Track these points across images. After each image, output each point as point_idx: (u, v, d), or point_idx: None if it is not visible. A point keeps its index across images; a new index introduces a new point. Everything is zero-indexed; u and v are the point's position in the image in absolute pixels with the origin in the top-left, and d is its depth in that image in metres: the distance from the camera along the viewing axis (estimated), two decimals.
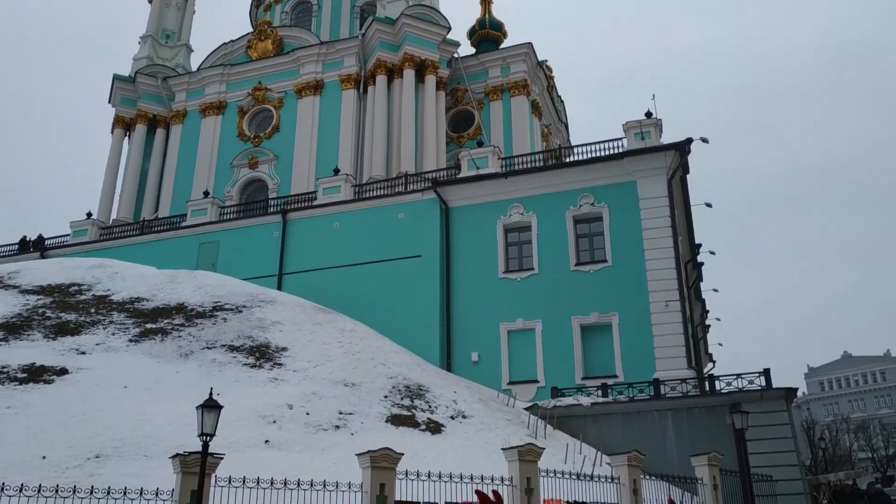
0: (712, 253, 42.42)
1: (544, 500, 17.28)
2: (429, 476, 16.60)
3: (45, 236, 47.20)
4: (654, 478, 21.28)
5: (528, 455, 17.65)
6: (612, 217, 33.86)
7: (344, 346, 29.16)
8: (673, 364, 30.26)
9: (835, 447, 62.60)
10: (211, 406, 14.24)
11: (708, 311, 50.09)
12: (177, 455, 15.63)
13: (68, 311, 30.21)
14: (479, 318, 34.01)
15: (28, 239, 47.17)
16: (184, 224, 43.13)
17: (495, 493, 3.04)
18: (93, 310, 30.68)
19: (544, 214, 34.96)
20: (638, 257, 32.54)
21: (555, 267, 33.89)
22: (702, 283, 45.00)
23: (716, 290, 48.13)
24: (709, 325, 50.00)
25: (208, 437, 14.08)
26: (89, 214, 47.55)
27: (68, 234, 46.62)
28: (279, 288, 36.86)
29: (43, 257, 44.06)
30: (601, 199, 34.22)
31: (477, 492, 2.76)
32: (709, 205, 37.81)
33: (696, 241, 41.99)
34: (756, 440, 24.17)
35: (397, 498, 15.53)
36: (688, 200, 38.07)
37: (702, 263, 43.73)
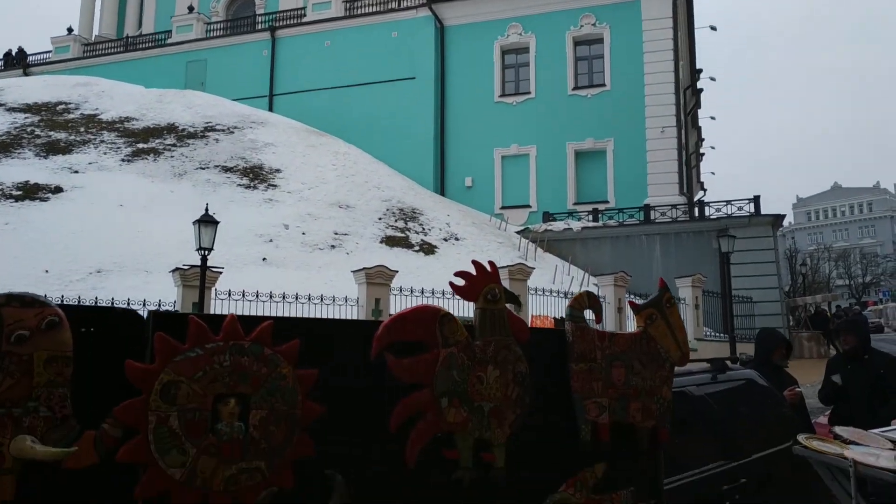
0: (712, 79, 41.50)
1: (532, 316, 18.07)
2: (422, 292, 17.22)
3: (25, 52, 45.52)
4: (638, 297, 22.07)
5: (517, 274, 18.25)
6: (614, 39, 32.71)
7: (338, 169, 29.12)
8: (664, 190, 30.48)
9: (814, 274, 64.62)
10: (208, 221, 14.42)
11: (703, 140, 49.79)
12: (177, 269, 16.03)
13: (58, 130, 29.76)
14: (473, 142, 33.72)
15: (12, 53, 45.48)
16: (169, 41, 41.52)
17: (491, 263, 3.20)
18: (82, 129, 30.24)
19: (543, 35, 33.71)
20: (637, 82, 31.80)
21: (552, 91, 33.17)
22: (699, 111, 44.39)
23: (713, 118, 47.61)
24: (703, 154, 49.89)
25: (206, 252, 14.38)
26: (70, 30, 45.62)
27: (49, 51, 44.98)
28: (270, 109, 36.17)
29: (26, 74, 42.75)
30: (603, 20, 32.90)
31: (473, 262, 2.91)
32: (713, 28, 36.51)
33: (698, 67, 40.94)
34: (740, 264, 24.87)
35: (391, 312, 16.17)
36: (692, 23, 36.68)
37: (701, 90, 42.89)
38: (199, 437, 2.31)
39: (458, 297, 2.97)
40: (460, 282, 2.95)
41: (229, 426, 2.34)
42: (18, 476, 2.08)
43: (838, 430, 4.60)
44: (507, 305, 3.03)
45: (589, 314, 3.26)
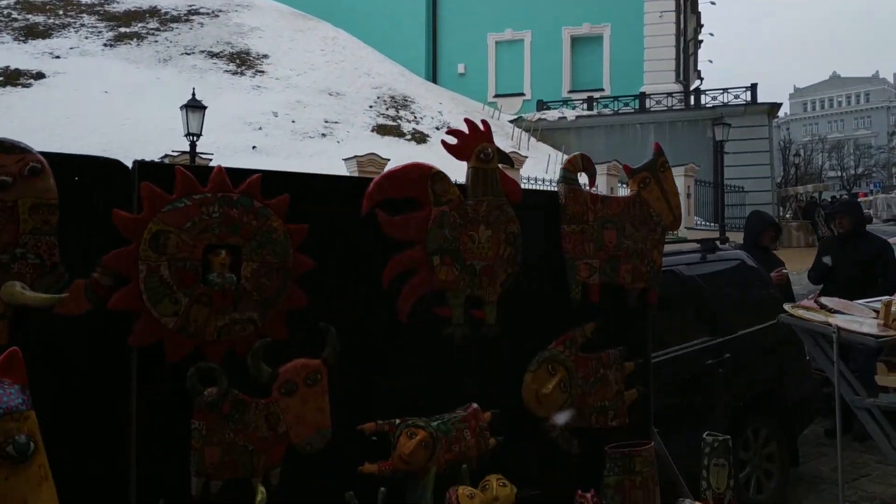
0: None
1: None
2: None
3: None
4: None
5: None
6: None
7: (327, 55, 28.37)
8: (661, 78, 29.95)
9: (807, 165, 64.45)
10: (195, 106, 14.14)
11: (702, 26, 48.45)
12: (166, 156, 15.84)
13: (35, 13, 28.67)
14: (466, 27, 32.75)
15: None
16: None
17: (484, 122, 3.17)
18: (60, 11, 29.14)
19: None
20: None
21: None
22: None
23: (713, 3, 46.12)
24: (701, 41, 48.64)
25: (195, 138, 14.17)
26: None
27: None
28: None
29: None
30: None
31: (466, 120, 2.87)
32: None
33: None
34: (734, 153, 24.77)
35: None
36: None
37: None
38: (191, 286, 2.31)
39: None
40: (452, 140, 2.89)
41: (221, 277, 2.33)
42: (11, 322, 2.08)
43: (823, 300, 4.68)
44: (500, 166, 2.99)
45: (582, 177, 3.22)
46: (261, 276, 2.43)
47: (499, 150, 2.96)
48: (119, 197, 2.29)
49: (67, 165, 2.24)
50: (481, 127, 2.93)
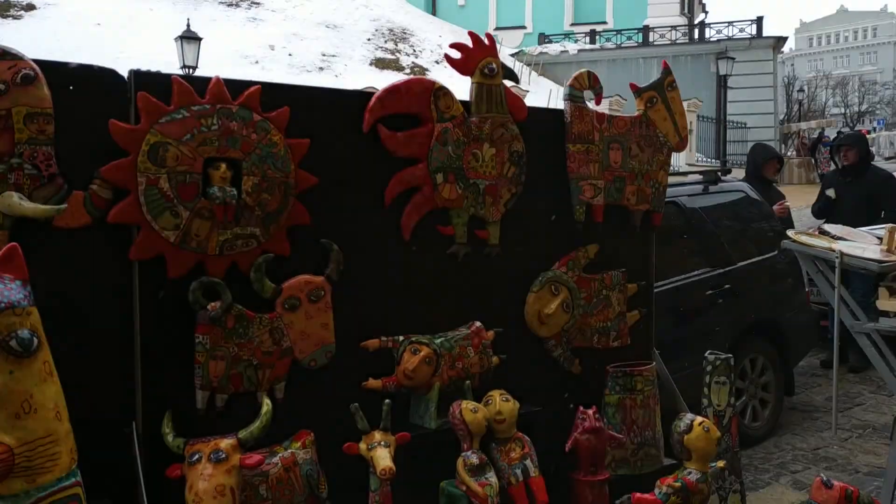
0: None
1: None
2: None
3: None
4: None
5: None
6: None
7: None
8: (665, 11, 29.33)
9: (811, 102, 63.65)
10: (190, 37, 13.86)
11: None
12: None
13: None
14: None
15: None
16: None
17: (488, 35, 3.08)
18: None
19: None
20: None
21: None
22: None
23: None
24: None
25: (191, 70, 13.92)
26: None
27: None
28: None
29: None
30: None
31: (470, 33, 2.79)
32: None
33: None
34: (737, 89, 24.42)
35: None
36: None
37: None
38: (192, 200, 2.28)
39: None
40: (456, 54, 2.82)
41: (221, 191, 2.30)
42: (10, 233, 2.05)
43: (827, 227, 4.65)
44: (505, 82, 2.92)
45: (589, 95, 3.16)
46: (262, 190, 2.39)
47: (504, 66, 2.89)
48: (116, 108, 2.23)
49: (62, 75, 2.18)
50: (485, 41, 2.86)
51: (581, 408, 2.80)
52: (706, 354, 2.93)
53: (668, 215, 5.35)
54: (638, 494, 2.44)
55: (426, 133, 2.71)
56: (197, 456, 2.15)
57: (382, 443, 2.21)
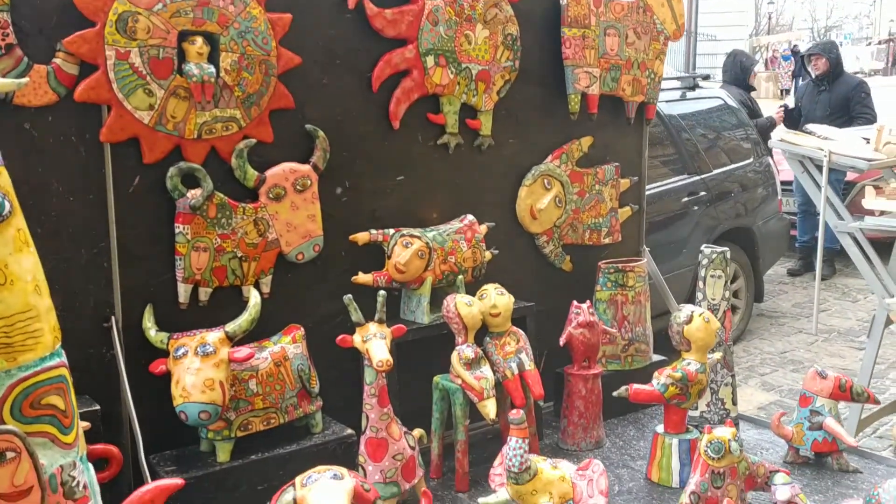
0: None
1: None
2: None
3: None
4: None
5: None
6: None
7: None
8: None
9: (779, 16, 63.13)
10: None
11: None
12: None
13: None
14: None
15: None
16: None
17: None
18: None
19: None
20: None
21: None
22: None
23: None
24: None
25: None
26: None
27: None
28: None
29: None
30: None
31: None
32: None
33: None
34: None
35: None
36: None
37: None
38: (166, 77, 2.09)
39: None
40: None
41: (198, 67, 2.11)
42: None
43: (812, 127, 4.58)
44: None
45: None
46: (242, 69, 2.21)
47: None
48: None
49: None
50: None
51: (575, 302, 2.73)
52: (702, 248, 2.86)
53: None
54: (636, 385, 2.41)
55: (416, 11, 2.52)
56: (183, 350, 2.04)
57: (378, 334, 2.12)
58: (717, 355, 2.59)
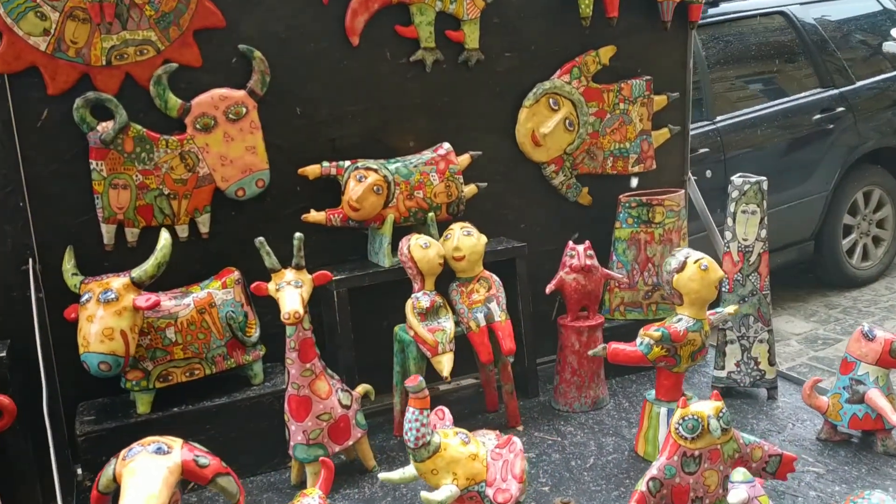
0: None
1: None
2: None
3: None
4: None
5: None
6: None
7: None
8: None
9: None
10: None
11: None
12: None
13: None
14: None
15: None
16: None
17: None
18: None
19: None
20: None
21: None
22: None
23: None
24: None
25: None
26: None
27: None
28: None
29: None
30: None
31: None
32: None
33: None
34: None
35: None
36: None
37: None
38: None
39: None
40: None
41: None
42: None
43: None
44: None
45: None
46: None
47: None
48: None
49: None
50: None
51: (570, 243, 2.35)
52: (732, 178, 2.36)
53: (773, 29, 4.54)
54: (616, 344, 2.02)
55: None
56: (87, 296, 1.91)
57: (294, 282, 1.88)
58: (731, 309, 2.13)
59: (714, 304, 2.09)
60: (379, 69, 2.34)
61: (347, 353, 2.24)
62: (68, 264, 2.03)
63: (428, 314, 2.13)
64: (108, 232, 2.08)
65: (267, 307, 2.14)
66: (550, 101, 2.54)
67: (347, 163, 2.25)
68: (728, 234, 2.35)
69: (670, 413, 2.02)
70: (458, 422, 2.12)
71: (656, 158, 2.77)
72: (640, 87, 2.68)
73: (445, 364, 2.09)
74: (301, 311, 1.83)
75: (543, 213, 2.65)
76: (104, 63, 1.98)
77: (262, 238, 1.90)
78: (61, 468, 1.82)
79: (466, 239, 2.16)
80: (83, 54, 1.95)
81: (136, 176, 2.06)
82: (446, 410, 1.78)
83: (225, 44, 2.13)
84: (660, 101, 2.74)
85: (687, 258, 1.97)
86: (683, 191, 2.70)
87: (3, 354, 1.91)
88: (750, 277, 2.34)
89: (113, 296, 1.88)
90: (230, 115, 2.12)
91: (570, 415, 2.36)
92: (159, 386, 2.02)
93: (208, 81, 2.13)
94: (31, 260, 2.03)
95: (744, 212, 2.32)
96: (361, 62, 2.31)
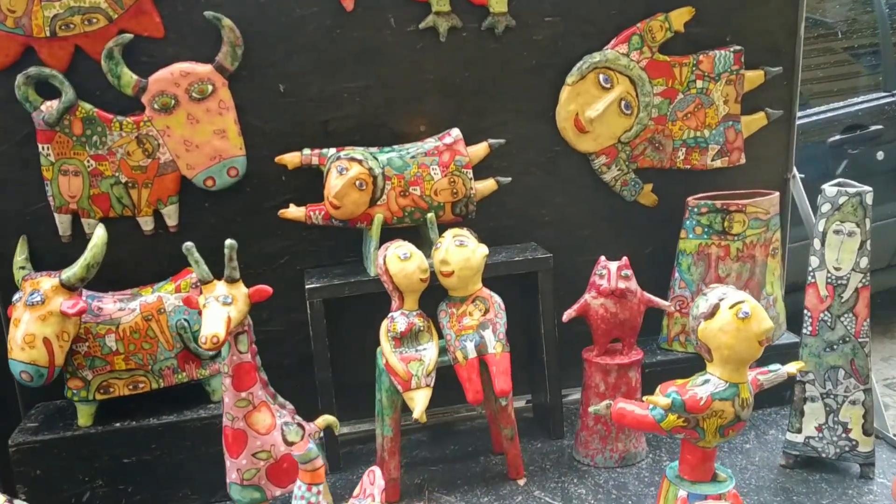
0: None
1: None
2: None
3: None
4: None
5: None
6: None
7: None
8: None
9: None
10: None
11: None
12: None
13: None
14: None
15: None
16: None
17: None
18: None
19: None
20: None
21: None
22: None
23: None
24: None
25: None
26: None
27: None
28: None
29: None
30: None
31: None
32: None
33: None
34: None
35: None
36: None
37: None
38: None
39: None
40: None
41: None
42: None
43: None
44: None
45: None
46: None
47: None
48: None
49: None
50: None
51: (602, 259, 1.88)
52: (825, 186, 1.77)
53: None
54: (623, 402, 1.55)
55: None
56: (18, 296, 1.72)
57: (221, 298, 1.58)
58: (793, 367, 1.58)
59: (776, 355, 1.56)
60: (381, 38, 1.96)
61: (324, 373, 1.93)
62: (19, 257, 1.86)
63: (404, 340, 1.77)
64: (61, 222, 1.88)
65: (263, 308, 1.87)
66: (601, 77, 2.05)
67: (332, 151, 1.91)
68: (814, 260, 1.78)
69: (693, 499, 1.53)
70: (457, 462, 1.80)
71: (747, 150, 2.20)
72: (727, 60, 2.11)
73: (418, 402, 1.71)
74: (222, 334, 1.52)
75: (591, 214, 2.18)
76: (48, 34, 1.76)
77: (190, 243, 1.61)
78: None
79: (458, 250, 1.76)
80: (23, 24, 1.74)
81: (88, 161, 1.84)
82: (377, 473, 1.42)
83: (193, 9, 1.84)
84: (753, 77, 2.15)
85: (721, 300, 1.45)
86: (776, 194, 2.11)
87: None
88: (841, 319, 1.76)
89: (38, 299, 1.68)
90: (193, 94, 1.84)
91: (590, 470, 1.91)
92: (100, 398, 1.81)
93: (174, 54, 1.86)
94: None
95: (837, 232, 1.74)
96: (359, 30, 1.94)
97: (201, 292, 1.60)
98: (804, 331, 1.80)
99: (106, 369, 1.79)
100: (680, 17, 2.07)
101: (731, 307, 1.44)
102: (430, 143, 1.95)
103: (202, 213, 1.97)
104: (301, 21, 1.91)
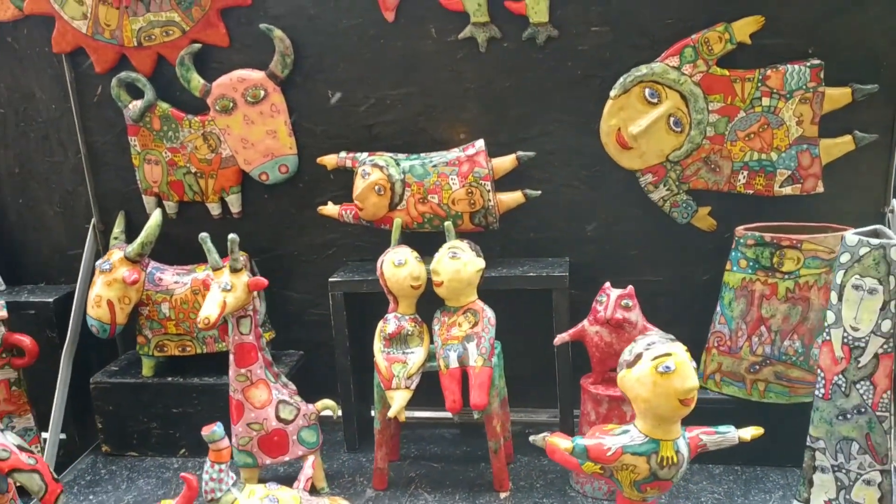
0: None
1: None
2: None
3: None
4: None
5: None
6: None
7: None
8: None
9: None
10: None
11: None
12: None
13: None
14: None
15: None
16: None
17: None
18: None
19: None
20: None
21: None
22: None
23: None
24: None
25: None
26: None
27: None
28: None
29: None
30: None
31: None
32: None
33: None
34: None
35: None
36: None
37: None
38: None
39: None
40: None
41: None
42: None
43: None
44: None
45: None
46: None
47: None
48: None
49: None
50: None
51: (607, 285, 1.80)
52: (845, 234, 1.49)
53: None
54: (557, 437, 1.48)
55: None
56: (100, 262, 2.09)
57: (223, 284, 1.78)
58: (746, 434, 1.41)
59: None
60: (422, 48, 2.02)
61: (343, 359, 2.08)
62: (116, 229, 2.23)
63: (393, 341, 1.86)
64: (148, 203, 2.21)
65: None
66: (646, 91, 1.93)
67: (364, 155, 2.03)
68: (830, 316, 1.56)
69: None
70: (459, 464, 1.95)
71: (833, 178, 1.93)
72: (801, 76, 1.86)
73: (396, 401, 1.81)
74: (214, 316, 1.74)
75: (639, 234, 2.07)
76: (136, 44, 2.07)
77: (205, 234, 1.83)
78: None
79: (450, 262, 1.80)
80: (117, 36, 2.06)
81: (165, 153, 2.14)
82: (310, 461, 1.55)
83: (254, 22, 2.05)
84: (837, 96, 1.87)
85: (647, 350, 1.35)
86: (846, 231, 1.84)
87: (51, 301, 2.20)
88: (857, 386, 1.53)
89: (108, 266, 2.02)
90: (248, 98, 2.06)
91: (577, 498, 1.87)
92: (157, 355, 2.13)
93: (239, 61, 2.08)
94: (93, 220, 2.28)
95: (857, 287, 1.51)
96: (401, 40, 2.02)
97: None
98: (816, 393, 1.59)
99: (161, 332, 2.11)
100: (745, 28, 1.86)
101: (655, 359, 1.34)
102: (453, 152, 1.98)
103: (262, 203, 2.20)
104: (347, 32, 2.04)
